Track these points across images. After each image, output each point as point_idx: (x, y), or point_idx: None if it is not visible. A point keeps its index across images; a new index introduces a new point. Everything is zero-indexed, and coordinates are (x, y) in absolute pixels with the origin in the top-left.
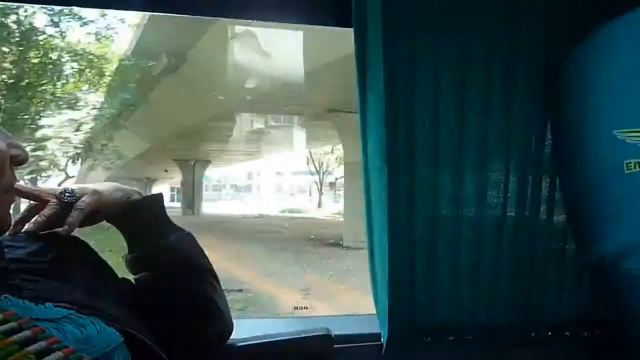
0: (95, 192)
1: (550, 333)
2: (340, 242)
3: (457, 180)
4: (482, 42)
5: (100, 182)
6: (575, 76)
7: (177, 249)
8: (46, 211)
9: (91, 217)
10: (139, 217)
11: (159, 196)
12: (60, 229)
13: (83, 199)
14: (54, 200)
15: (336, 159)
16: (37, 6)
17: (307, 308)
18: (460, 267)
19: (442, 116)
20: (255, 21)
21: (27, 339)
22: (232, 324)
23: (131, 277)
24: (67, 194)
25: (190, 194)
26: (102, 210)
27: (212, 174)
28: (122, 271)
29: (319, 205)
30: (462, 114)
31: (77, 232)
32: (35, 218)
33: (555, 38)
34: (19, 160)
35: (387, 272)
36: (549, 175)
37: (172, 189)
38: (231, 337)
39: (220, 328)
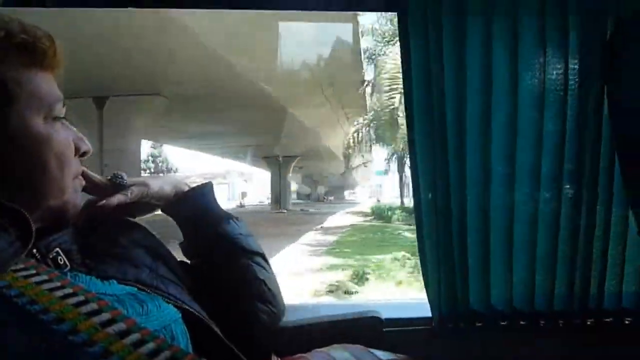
0: (144, 184)
1: (610, 319)
2: None
3: (509, 161)
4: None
5: (156, 177)
6: (633, 40)
7: (226, 235)
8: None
9: (144, 207)
10: (188, 207)
11: (207, 186)
12: (99, 202)
13: (132, 187)
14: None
15: None
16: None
17: None
18: (516, 252)
19: (494, 96)
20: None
21: (93, 311)
22: (283, 305)
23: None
24: (118, 178)
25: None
26: (151, 202)
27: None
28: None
29: None
30: (514, 93)
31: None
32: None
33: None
34: (83, 152)
35: (438, 256)
36: (608, 153)
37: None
38: (283, 319)
39: (271, 309)
